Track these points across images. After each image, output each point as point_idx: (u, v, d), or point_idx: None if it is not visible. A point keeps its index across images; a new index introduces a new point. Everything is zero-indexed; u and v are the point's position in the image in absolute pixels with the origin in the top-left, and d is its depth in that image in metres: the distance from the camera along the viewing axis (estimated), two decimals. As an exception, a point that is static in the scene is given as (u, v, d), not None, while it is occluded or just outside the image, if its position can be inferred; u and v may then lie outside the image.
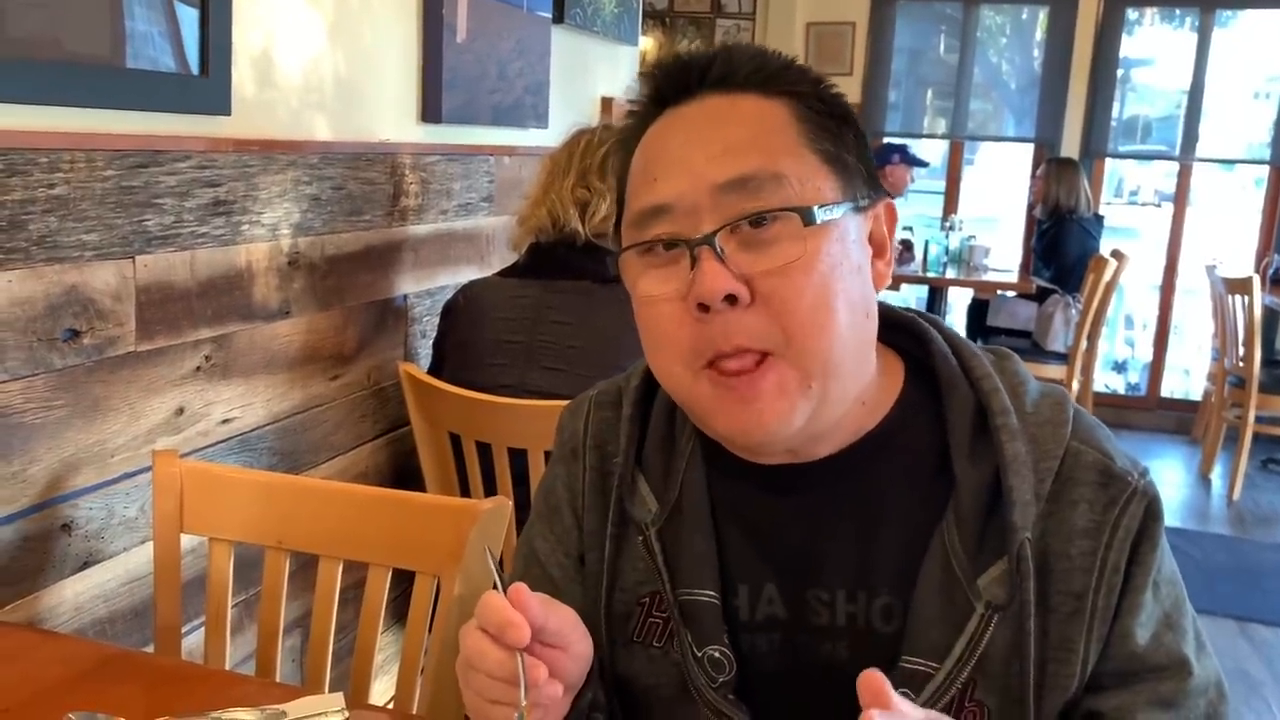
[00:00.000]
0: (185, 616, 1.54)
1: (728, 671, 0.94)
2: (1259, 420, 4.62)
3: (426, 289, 2.37)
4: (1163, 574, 0.91)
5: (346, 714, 1.10)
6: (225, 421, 1.78)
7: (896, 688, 0.87)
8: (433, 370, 2.17)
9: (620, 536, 1.00)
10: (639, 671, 1.00)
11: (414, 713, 1.39)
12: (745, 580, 0.96)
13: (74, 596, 1.52)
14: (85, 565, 1.54)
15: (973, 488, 0.89)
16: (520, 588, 0.80)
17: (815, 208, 0.84)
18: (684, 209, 0.85)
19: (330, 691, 1.20)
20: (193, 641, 1.67)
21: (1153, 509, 0.90)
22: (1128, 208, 10.44)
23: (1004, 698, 0.88)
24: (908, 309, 1.01)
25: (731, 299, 0.82)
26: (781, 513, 0.94)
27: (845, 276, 0.86)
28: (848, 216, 0.87)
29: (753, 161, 0.84)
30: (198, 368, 1.70)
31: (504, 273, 2.18)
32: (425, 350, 2.34)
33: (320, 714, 1.09)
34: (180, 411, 1.68)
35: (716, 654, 0.94)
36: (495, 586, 0.81)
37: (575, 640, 0.85)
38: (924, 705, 0.87)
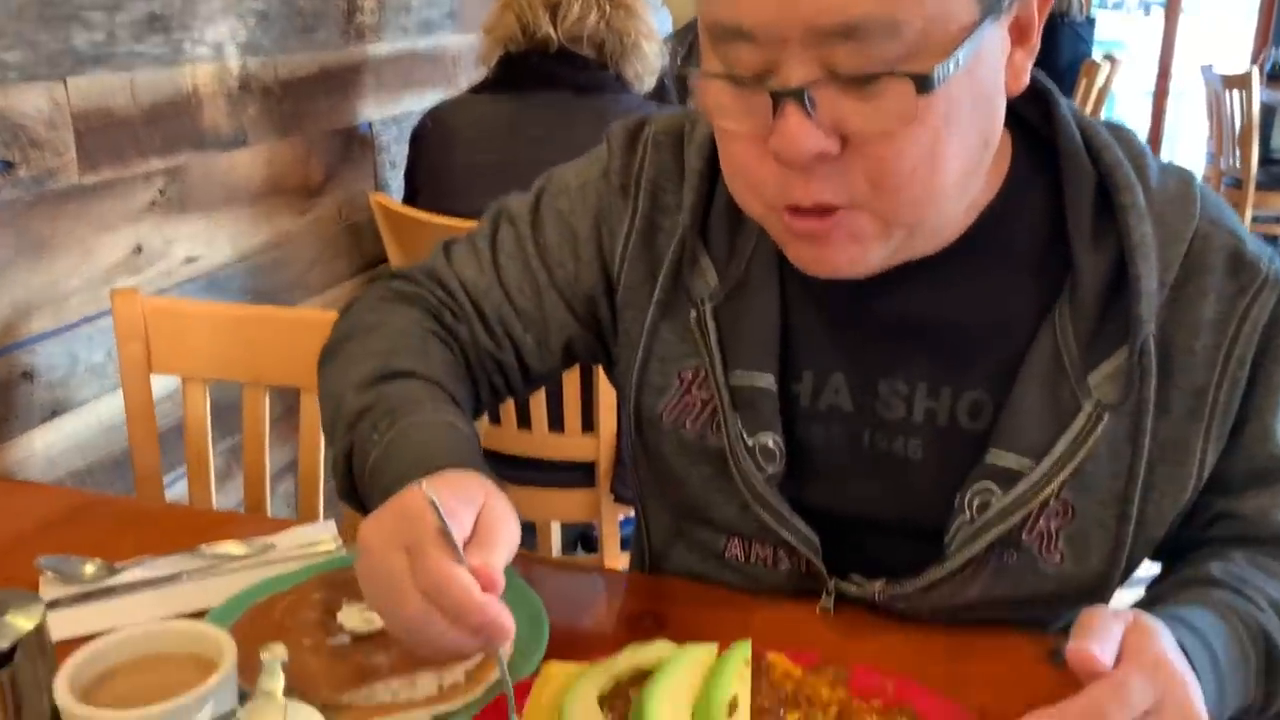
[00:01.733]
0: (168, 465, 1.46)
1: (777, 462, 0.87)
2: (1256, 220, 4.56)
3: (392, 115, 2.22)
4: None
5: (339, 543, 1.03)
6: (189, 260, 1.67)
7: (978, 482, 0.83)
8: (407, 202, 2.05)
9: (668, 304, 0.91)
10: (668, 453, 0.93)
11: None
12: (810, 366, 0.88)
13: (45, 448, 1.44)
14: (54, 415, 1.45)
15: (1092, 275, 0.81)
16: (490, 569, 0.67)
17: (935, 70, 0.66)
18: (768, 40, 0.69)
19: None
20: (177, 492, 1.60)
21: None
22: (1113, 14, 10.10)
23: (1093, 499, 0.82)
24: None
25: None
26: (864, 303, 0.85)
27: (965, 118, 0.71)
28: (983, 31, 0.70)
29: (862, 3, 0.66)
30: (152, 202, 1.58)
31: (474, 89, 2.03)
32: (397, 182, 2.21)
33: (311, 544, 1.02)
34: (138, 250, 1.56)
35: (769, 443, 0.87)
36: (445, 533, 0.67)
37: (510, 558, 0.72)
38: (1011, 504, 0.81)
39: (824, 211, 0.73)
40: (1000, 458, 0.82)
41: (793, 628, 0.89)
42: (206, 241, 1.70)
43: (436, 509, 0.67)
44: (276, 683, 0.54)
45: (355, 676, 0.77)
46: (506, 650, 0.80)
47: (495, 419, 2.01)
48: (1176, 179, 0.84)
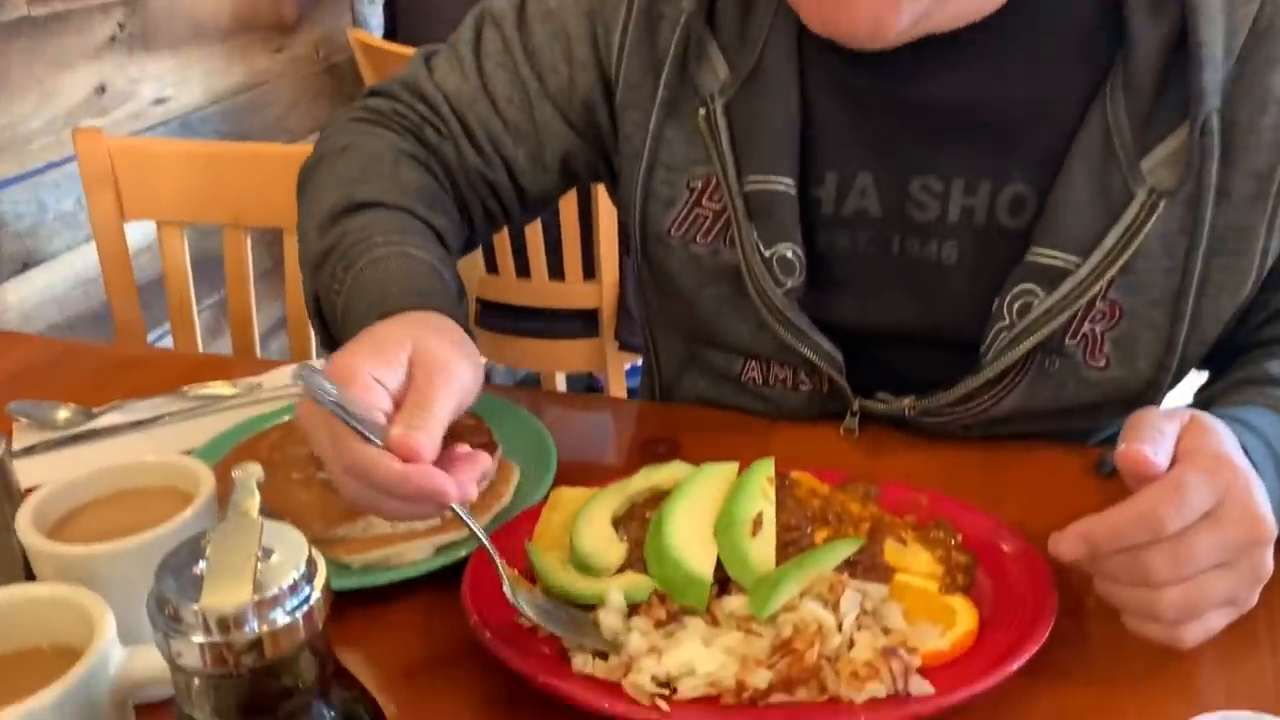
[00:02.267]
0: (152, 321, 1.40)
1: (797, 275, 0.80)
2: None
3: (368, -54, 2.08)
4: None
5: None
6: (159, 101, 1.57)
7: (1019, 284, 0.75)
8: (388, 38, 1.93)
9: (673, 103, 0.82)
10: (676, 271, 0.86)
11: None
12: (834, 166, 0.80)
13: (19, 301, 1.37)
14: (25, 267, 1.38)
15: (1149, 47, 0.72)
16: (406, 440, 0.57)
17: None
18: None
19: (314, 365, 1.06)
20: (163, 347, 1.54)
21: None
22: None
23: (1143, 297, 0.75)
24: None
25: None
26: (893, 91, 0.76)
27: None
28: None
29: None
30: (112, 37, 1.47)
31: (452, -92, 1.88)
32: (376, 19, 2.08)
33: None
34: (102, 90, 1.46)
35: (788, 254, 0.79)
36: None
37: (463, 405, 0.63)
38: (1055, 306, 0.75)
39: None
40: (1044, 255, 0.75)
41: (816, 449, 0.83)
42: (176, 81, 1.59)
43: (322, 397, 0.58)
44: (251, 500, 0.48)
45: (350, 509, 0.72)
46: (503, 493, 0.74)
47: (492, 268, 1.94)
48: None
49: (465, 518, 0.60)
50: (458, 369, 0.62)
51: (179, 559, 0.46)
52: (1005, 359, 0.76)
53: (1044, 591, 0.63)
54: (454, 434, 0.80)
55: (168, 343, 1.53)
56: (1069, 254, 0.75)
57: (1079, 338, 0.77)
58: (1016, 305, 0.76)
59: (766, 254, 0.80)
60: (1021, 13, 0.74)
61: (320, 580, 0.46)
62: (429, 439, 0.58)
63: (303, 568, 0.45)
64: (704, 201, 0.83)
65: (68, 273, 1.43)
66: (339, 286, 0.75)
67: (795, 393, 0.86)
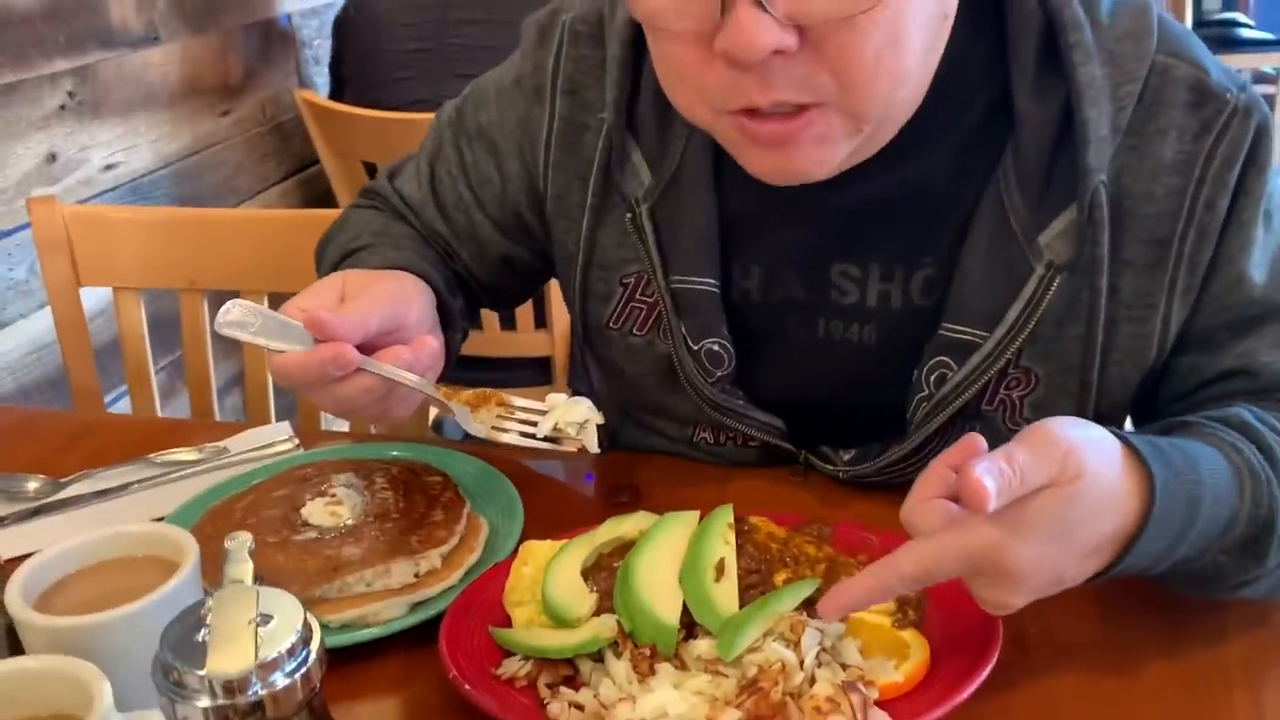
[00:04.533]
0: (108, 385, 1.40)
1: (726, 365, 0.84)
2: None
3: (312, 6, 2.12)
4: (1274, 201, 0.77)
5: (296, 441, 0.99)
6: (109, 168, 1.58)
7: (934, 357, 0.79)
8: (333, 97, 1.96)
9: (601, 209, 0.86)
10: (617, 358, 0.91)
11: (371, 432, 1.29)
12: (758, 261, 0.84)
13: (-27, 371, 1.38)
14: (-22, 337, 1.38)
15: (1036, 127, 0.74)
16: (312, 314, 0.71)
17: None
18: None
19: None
20: (120, 410, 1.54)
21: (1262, 128, 0.75)
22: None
23: (1056, 364, 0.79)
24: None
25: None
26: (815, 196, 0.76)
27: None
28: None
29: None
30: (61, 106, 1.48)
31: (397, -27, 1.93)
32: (322, 79, 2.12)
33: (267, 445, 0.98)
34: (52, 158, 1.47)
35: (715, 347, 0.84)
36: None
37: (401, 313, 0.77)
38: (966, 377, 0.78)
39: (788, 115, 0.66)
40: (953, 331, 0.79)
41: (771, 494, 0.87)
42: (125, 147, 1.61)
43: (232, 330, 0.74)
44: (245, 567, 0.51)
45: (325, 570, 0.74)
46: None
47: (444, 319, 1.95)
48: (1131, 10, 0.75)
49: (382, 371, 0.72)
50: (382, 283, 0.77)
51: (181, 627, 0.48)
52: (926, 428, 0.80)
53: (989, 623, 0.67)
54: (422, 493, 0.83)
55: (124, 405, 1.53)
56: (976, 328, 0.78)
57: (996, 404, 0.80)
58: (933, 377, 0.80)
59: (695, 347, 0.84)
60: (929, 113, 0.73)
61: (316, 642, 0.49)
62: (336, 316, 0.71)
63: (299, 630, 0.48)
64: (638, 296, 0.87)
65: (21, 340, 1.44)
66: None
67: (746, 449, 0.90)
